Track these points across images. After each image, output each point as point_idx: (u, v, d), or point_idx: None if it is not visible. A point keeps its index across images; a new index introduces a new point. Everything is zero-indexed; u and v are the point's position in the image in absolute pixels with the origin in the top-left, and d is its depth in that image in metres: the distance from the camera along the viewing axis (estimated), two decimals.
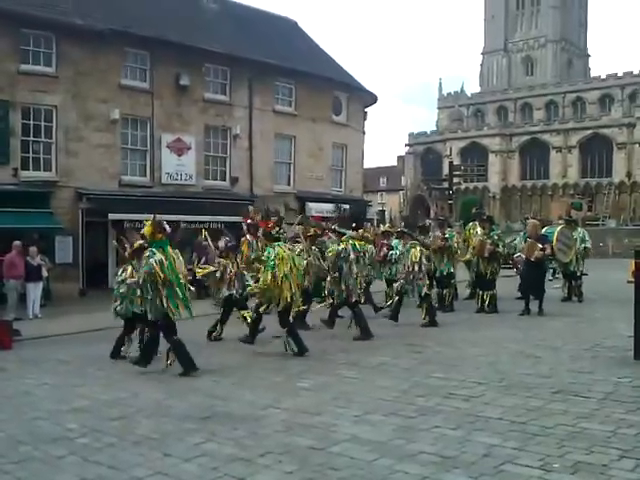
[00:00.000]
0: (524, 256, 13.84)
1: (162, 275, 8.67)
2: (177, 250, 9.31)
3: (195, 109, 24.27)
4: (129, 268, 9.91)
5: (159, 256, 8.72)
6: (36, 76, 20.28)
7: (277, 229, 11.04)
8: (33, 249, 16.78)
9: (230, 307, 11.74)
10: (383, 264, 15.43)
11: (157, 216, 9.14)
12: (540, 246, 13.46)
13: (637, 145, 66.25)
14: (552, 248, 13.93)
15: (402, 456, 5.25)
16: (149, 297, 8.83)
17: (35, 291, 16.71)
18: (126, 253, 9.84)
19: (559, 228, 15.16)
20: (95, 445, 5.89)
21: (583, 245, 16.01)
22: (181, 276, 9.06)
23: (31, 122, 20.46)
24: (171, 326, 8.96)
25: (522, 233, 16.57)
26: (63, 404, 7.47)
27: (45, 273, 17.18)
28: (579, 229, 16.62)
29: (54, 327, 14.30)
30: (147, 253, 8.88)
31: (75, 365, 10.13)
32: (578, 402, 6.68)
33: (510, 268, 17.39)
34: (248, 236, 12.83)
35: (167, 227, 9.11)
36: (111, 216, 20.41)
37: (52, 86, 20.62)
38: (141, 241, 9.41)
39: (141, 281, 8.83)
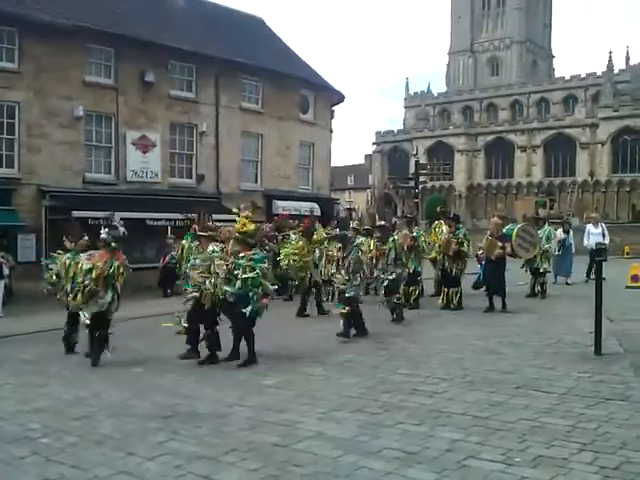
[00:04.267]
0: (485, 254, 14.00)
1: None
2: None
3: (160, 106, 24.05)
4: None
5: None
6: None
7: None
8: None
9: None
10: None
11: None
12: (500, 244, 13.64)
13: (600, 145, 67.34)
14: (512, 246, 14.15)
15: (366, 452, 5.29)
16: None
17: None
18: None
19: (519, 225, 15.38)
20: (57, 445, 5.82)
21: (548, 244, 16.26)
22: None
23: None
24: None
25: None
26: (25, 404, 7.36)
27: (6, 271, 16.88)
28: (546, 227, 16.88)
29: (17, 326, 14.07)
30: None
31: (38, 365, 9.98)
32: (540, 397, 6.78)
33: None
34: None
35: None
36: (75, 214, 20.06)
37: (14, 82, 20.26)
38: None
39: None
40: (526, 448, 5.25)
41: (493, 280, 13.67)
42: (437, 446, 5.37)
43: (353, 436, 5.72)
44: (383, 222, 13.22)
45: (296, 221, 19.63)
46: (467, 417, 6.15)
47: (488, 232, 14.39)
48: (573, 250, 19.37)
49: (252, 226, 9.50)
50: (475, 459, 5.06)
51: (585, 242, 19.43)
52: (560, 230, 19.28)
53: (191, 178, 25.36)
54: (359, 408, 6.61)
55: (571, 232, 19.68)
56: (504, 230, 14.77)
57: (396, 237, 12.98)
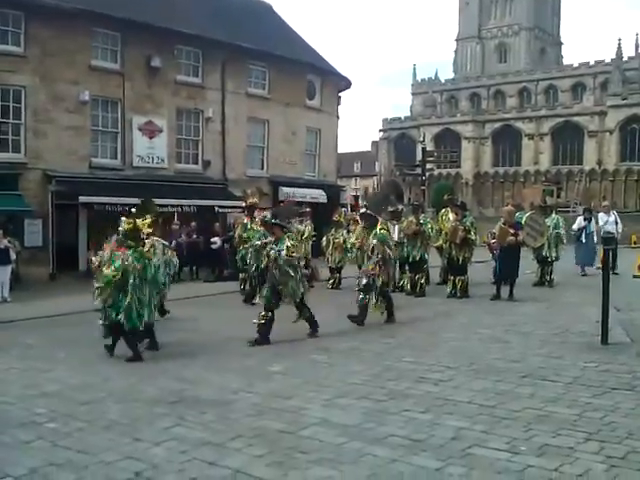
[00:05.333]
0: (497, 242, 13.92)
1: None
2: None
3: (167, 91, 23.98)
4: None
5: None
6: (4, 56, 19.88)
7: None
8: None
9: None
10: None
11: None
12: (512, 231, 13.58)
13: (608, 133, 67.01)
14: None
15: (371, 439, 5.29)
16: None
17: (3, 275, 16.46)
18: None
19: (528, 214, 15.32)
20: (64, 430, 5.84)
21: (556, 231, 16.15)
22: None
23: None
24: None
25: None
26: (32, 389, 7.38)
27: (13, 256, 16.93)
28: (553, 215, 16.78)
29: (23, 311, 14.11)
30: None
31: (44, 349, 10.02)
32: (546, 386, 6.77)
33: None
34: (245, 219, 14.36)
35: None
36: (81, 199, 20.15)
37: (20, 66, 20.22)
38: None
39: None
40: (532, 437, 5.24)
41: (508, 267, 13.57)
42: (442, 434, 5.36)
43: (358, 423, 5.72)
44: (365, 209, 12.15)
45: (307, 208, 19.60)
46: (473, 405, 6.15)
47: (502, 220, 14.30)
48: (595, 239, 18.29)
49: (129, 225, 8.94)
50: (480, 447, 5.05)
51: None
52: (580, 218, 18.84)
53: (197, 164, 25.34)
54: (364, 395, 6.61)
55: (593, 220, 18.95)
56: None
57: (378, 229, 11.31)
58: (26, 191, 20.19)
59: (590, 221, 18.78)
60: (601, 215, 19.82)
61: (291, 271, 9.86)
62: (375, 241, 11.12)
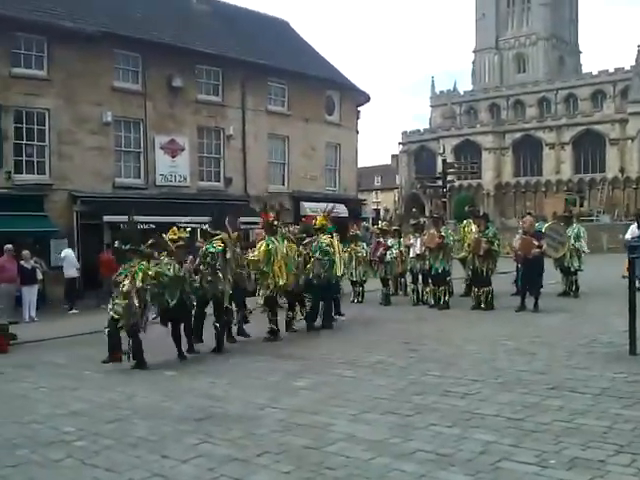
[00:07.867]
0: (520, 253, 13.78)
1: None
2: None
3: (188, 110, 24.26)
4: None
5: None
6: (28, 79, 20.25)
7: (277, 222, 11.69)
8: (26, 252, 16.76)
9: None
10: (377, 264, 16.05)
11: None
12: (536, 243, 13.44)
13: (630, 141, 66.37)
14: None
15: (398, 455, 5.25)
16: None
17: (30, 294, 16.68)
18: None
19: (547, 224, 15.15)
20: (92, 448, 5.88)
21: (577, 242, 15.79)
22: None
23: (24, 125, 20.42)
24: None
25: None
26: (60, 407, 7.46)
27: (40, 276, 17.15)
28: (574, 225, 16.46)
29: (50, 330, 14.27)
30: None
31: (72, 368, 10.13)
32: (574, 398, 6.68)
33: None
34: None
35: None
36: (106, 218, 20.40)
37: (44, 89, 20.58)
38: None
39: None
40: (561, 450, 5.17)
41: (532, 279, 13.46)
42: (470, 448, 5.32)
43: (385, 438, 5.69)
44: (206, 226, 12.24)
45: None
46: (500, 418, 6.09)
47: (521, 231, 14.17)
48: None
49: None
50: (509, 461, 4.99)
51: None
52: (634, 226, 17.02)
53: (219, 181, 25.55)
54: (391, 410, 6.57)
55: None
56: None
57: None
58: (52, 212, 20.47)
59: None
60: None
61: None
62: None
